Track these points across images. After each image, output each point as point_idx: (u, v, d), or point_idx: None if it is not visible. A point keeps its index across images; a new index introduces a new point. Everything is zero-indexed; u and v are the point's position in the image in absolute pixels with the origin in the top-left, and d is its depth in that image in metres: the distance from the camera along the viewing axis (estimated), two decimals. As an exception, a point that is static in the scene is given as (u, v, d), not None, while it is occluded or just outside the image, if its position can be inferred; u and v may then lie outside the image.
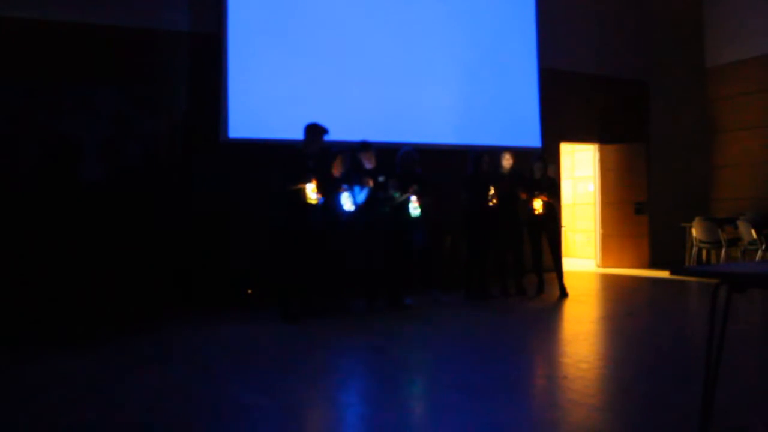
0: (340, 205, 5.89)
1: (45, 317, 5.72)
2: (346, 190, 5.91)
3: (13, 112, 6.35)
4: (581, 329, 5.52)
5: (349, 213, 5.93)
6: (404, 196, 6.22)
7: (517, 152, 7.11)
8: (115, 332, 5.28)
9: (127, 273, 6.44)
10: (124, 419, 3.12)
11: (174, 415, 3.15)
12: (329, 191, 5.83)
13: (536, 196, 6.84)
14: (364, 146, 6.22)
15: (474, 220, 6.66)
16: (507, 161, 6.90)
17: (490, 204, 6.61)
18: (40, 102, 6.45)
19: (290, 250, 5.67)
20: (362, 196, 6.01)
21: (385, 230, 6.20)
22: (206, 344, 4.88)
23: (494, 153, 6.93)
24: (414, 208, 6.25)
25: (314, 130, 5.83)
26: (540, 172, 7.00)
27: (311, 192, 5.60)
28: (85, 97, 6.61)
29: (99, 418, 3.12)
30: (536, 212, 6.84)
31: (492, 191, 6.62)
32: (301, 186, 5.58)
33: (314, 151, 5.80)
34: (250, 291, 6.90)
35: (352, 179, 6.01)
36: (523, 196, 6.87)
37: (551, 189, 7.07)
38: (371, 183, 6.03)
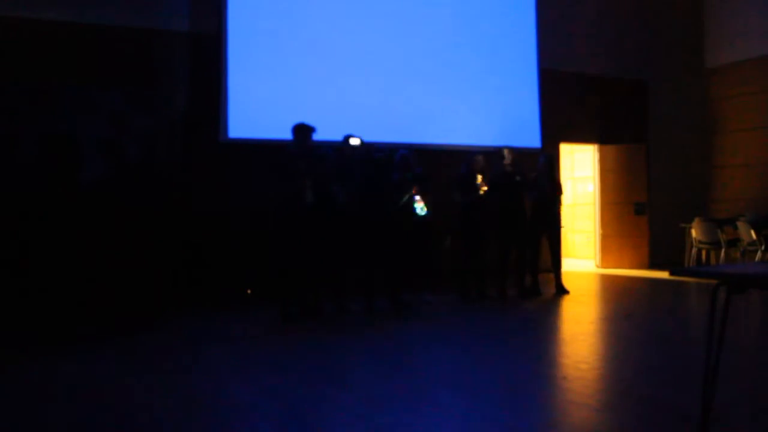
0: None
1: (45, 317, 5.72)
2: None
3: (13, 112, 6.35)
4: (580, 330, 5.52)
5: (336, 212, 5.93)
6: (407, 196, 6.23)
7: (517, 152, 7.11)
8: (114, 332, 5.28)
9: (126, 273, 6.44)
10: (123, 419, 3.12)
11: (174, 415, 3.15)
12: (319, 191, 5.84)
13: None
14: (346, 139, 6.23)
15: (468, 220, 6.65)
16: (507, 158, 6.89)
17: (480, 192, 6.54)
18: (40, 102, 6.45)
19: (288, 250, 5.67)
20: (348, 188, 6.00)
21: (387, 229, 6.20)
22: (206, 344, 4.88)
23: (489, 153, 6.95)
24: (420, 208, 6.29)
25: (302, 130, 5.82)
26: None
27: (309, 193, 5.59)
28: (85, 97, 6.61)
29: (99, 418, 3.12)
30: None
31: (480, 179, 6.55)
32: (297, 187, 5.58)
33: (304, 151, 5.79)
34: (249, 291, 6.91)
35: (337, 178, 5.99)
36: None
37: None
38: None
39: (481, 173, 6.63)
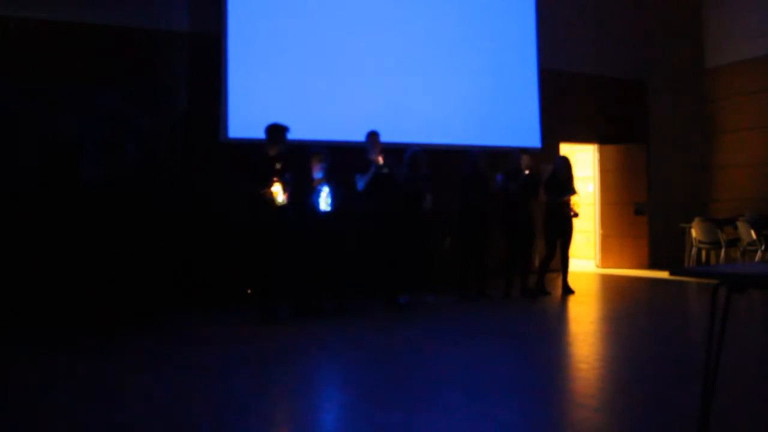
0: (317, 205, 5.89)
1: (45, 317, 5.72)
2: (321, 190, 5.90)
3: (13, 112, 6.34)
4: (581, 330, 5.52)
5: (326, 212, 5.92)
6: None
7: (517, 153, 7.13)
8: (114, 332, 5.29)
9: (126, 273, 6.44)
10: (124, 419, 3.12)
11: (174, 415, 3.15)
12: (307, 191, 5.83)
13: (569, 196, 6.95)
14: (370, 135, 6.29)
15: (469, 220, 6.66)
16: (525, 162, 6.95)
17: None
18: (40, 102, 6.45)
19: (261, 252, 5.68)
20: (361, 183, 6.00)
21: (397, 228, 6.22)
22: (206, 344, 4.88)
23: (492, 153, 6.98)
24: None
25: (275, 131, 5.81)
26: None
27: (278, 194, 5.59)
28: (85, 97, 6.60)
29: (99, 418, 3.12)
30: (576, 210, 6.98)
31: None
32: (267, 189, 5.58)
33: (279, 152, 5.78)
34: (249, 291, 6.90)
35: (330, 178, 5.99)
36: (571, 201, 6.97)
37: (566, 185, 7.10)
38: (381, 159, 6.06)
39: (485, 171, 6.67)
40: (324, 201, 5.88)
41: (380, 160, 6.10)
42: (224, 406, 3.31)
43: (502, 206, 6.84)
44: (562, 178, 6.99)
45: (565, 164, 7.09)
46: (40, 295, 5.97)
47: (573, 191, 6.98)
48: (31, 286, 6.02)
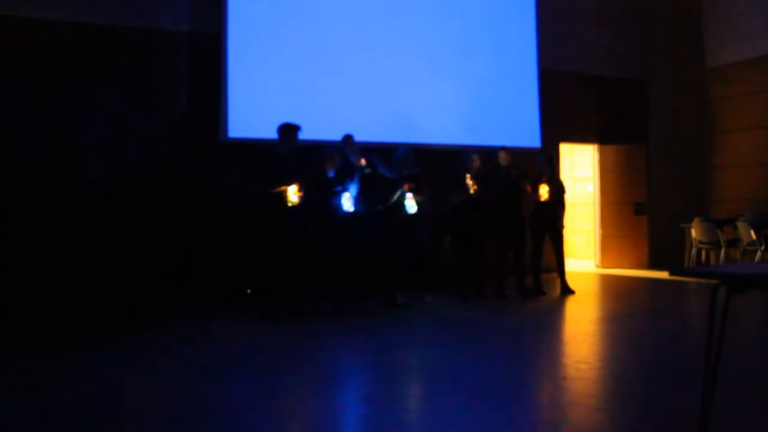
0: (340, 206, 5.90)
1: (45, 317, 5.72)
2: (341, 191, 5.91)
3: (13, 112, 6.35)
4: (580, 330, 5.52)
5: (350, 213, 5.94)
6: (399, 193, 6.25)
7: (518, 152, 7.11)
8: (114, 332, 5.28)
9: (126, 273, 6.45)
10: (123, 419, 3.12)
11: (174, 415, 3.15)
12: (324, 192, 5.84)
13: (540, 184, 6.90)
14: (346, 139, 6.26)
15: (463, 220, 6.66)
16: (503, 159, 6.90)
17: (471, 192, 6.50)
18: (40, 102, 6.45)
19: (271, 251, 5.68)
20: (353, 189, 6.02)
21: (382, 228, 6.22)
22: (206, 344, 4.88)
23: (485, 153, 6.95)
24: (410, 206, 6.26)
25: (287, 130, 5.81)
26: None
27: (293, 195, 5.59)
28: (85, 97, 6.61)
29: (98, 418, 3.12)
30: (542, 199, 6.87)
31: (469, 178, 6.53)
32: (282, 188, 5.58)
33: (290, 151, 5.78)
34: (249, 291, 6.91)
35: (344, 178, 6.00)
36: (528, 188, 6.88)
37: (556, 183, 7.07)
38: (363, 162, 6.04)
39: (474, 172, 6.63)
40: (347, 202, 5.90)
41: (362, 162, 6.07)
42: (224, 406, 3.32)
43: (493, 205, 6.81)
44: (546, 175, 6.99)
45: (547, 162, 7.09)
46: (40, 294, 5.97)
47: (525, 185, 6.90)
48: (31, 285, 6.02)
